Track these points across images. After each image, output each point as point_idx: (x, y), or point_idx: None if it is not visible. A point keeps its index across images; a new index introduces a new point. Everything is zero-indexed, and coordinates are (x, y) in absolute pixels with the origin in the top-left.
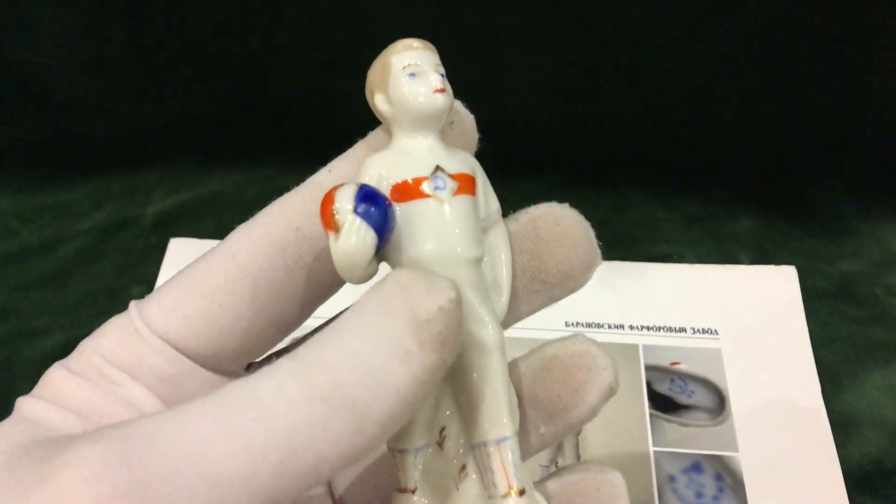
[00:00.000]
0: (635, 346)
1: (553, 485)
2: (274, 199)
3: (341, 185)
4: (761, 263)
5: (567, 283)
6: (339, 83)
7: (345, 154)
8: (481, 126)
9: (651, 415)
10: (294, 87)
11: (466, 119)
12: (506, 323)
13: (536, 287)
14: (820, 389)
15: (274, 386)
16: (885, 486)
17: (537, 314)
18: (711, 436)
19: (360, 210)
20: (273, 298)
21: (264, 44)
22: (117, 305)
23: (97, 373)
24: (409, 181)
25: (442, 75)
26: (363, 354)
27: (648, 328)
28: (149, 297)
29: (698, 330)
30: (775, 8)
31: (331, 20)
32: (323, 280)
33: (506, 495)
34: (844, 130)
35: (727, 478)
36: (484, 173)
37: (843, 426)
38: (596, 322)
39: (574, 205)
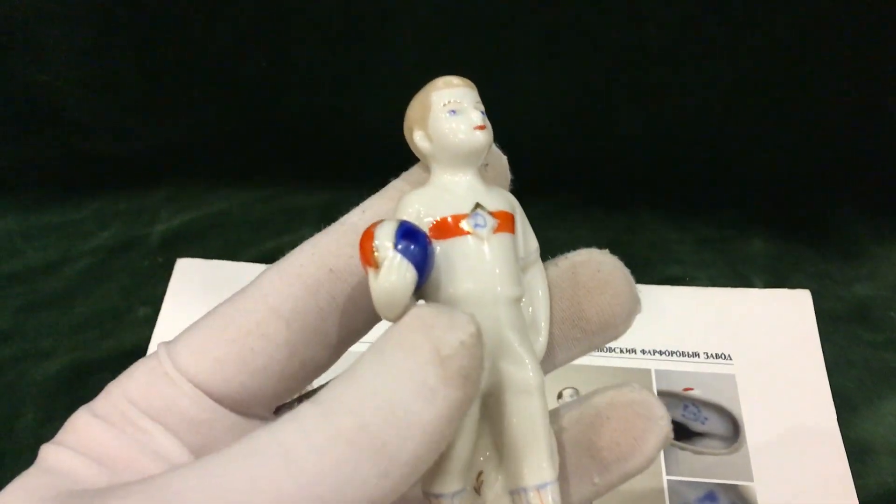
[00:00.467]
0: (648, 371)
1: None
2: (280, 218)
3: (381, 221)
4: (775, 286)
5: (607, 331)
6: (347, 102)
7: (379, 193)
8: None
9: None
10: (301, 106)
11: (500, 160)
12: (543, 368)
13: (576, 335)
14: (836, 416)
15: (298, 432)
16: None
17: None
18: (726, 464)
19: (400, 247)
20: (305, 340)
21: (272, 63)
22: (123, 326)
23: (124, 419)
24: (449, 219)
25: (482, 112)
26: (386, 394)
27: (661, 352)
28: (177, 339)
29: (712, 355)
30: (790, 29)
31: (339, 40)
32: (355, 322)
33: None
34: (859, 153)
35: None
36: (523, 212)
37: (859, 454)
38: (608, 346)
39: (587, 225)
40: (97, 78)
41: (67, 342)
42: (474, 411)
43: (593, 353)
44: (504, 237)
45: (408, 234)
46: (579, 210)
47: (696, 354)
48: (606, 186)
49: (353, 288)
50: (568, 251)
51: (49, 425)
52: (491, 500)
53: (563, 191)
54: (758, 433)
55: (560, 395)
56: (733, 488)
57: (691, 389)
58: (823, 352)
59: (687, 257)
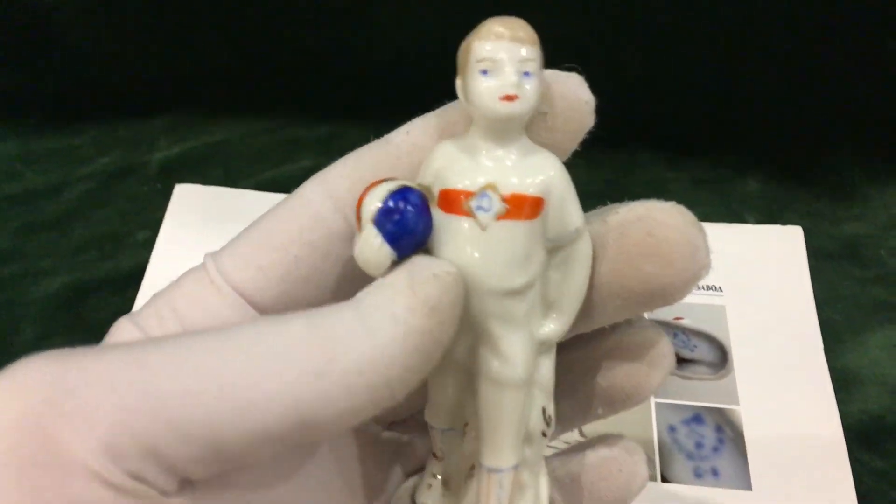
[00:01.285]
0: None
1: (574, 465)
2: (280, 150)
3: (381, 182)
4: (767, 224)
5: (655, 301)
6: (348, 37)
7: (430, 114)
8: None
9: None
10: (303, 39)
11: (572, 106)
12: (578, 329)
13: (616, 303)
14: (822, 347)
15: (288, 325)
16: (886, 441)
17: None
18: (713, 389)
19: (379, 221)
20: (347, 251)
21: None
22: (122, 249)
23: (162, 328)
24: (453, 193)
25: (526, 74)
26: (347, 309)
27: None
28: (222, 249)
29: (703, 287)
30: None
31: None
32: None
33: None
34: (856, 97)
35: (727, 430)
36: (567, 188)
37: (844, 383)
38: None
39: (584, 164)
40: (100, 4)
41: (67, 263)
42: (458, 375)
43: None
44: (512, 225)
45: (393, 210)
46: (579, 149)
47: None
48: (605, 126)
49: None
50: None
51: (46, 342)
52: (469, 452)
53: None
54: (745, 361)
55: None
56: (719, 411)
57: (682, 319)
58: (813, 286)
59: (682, 196)
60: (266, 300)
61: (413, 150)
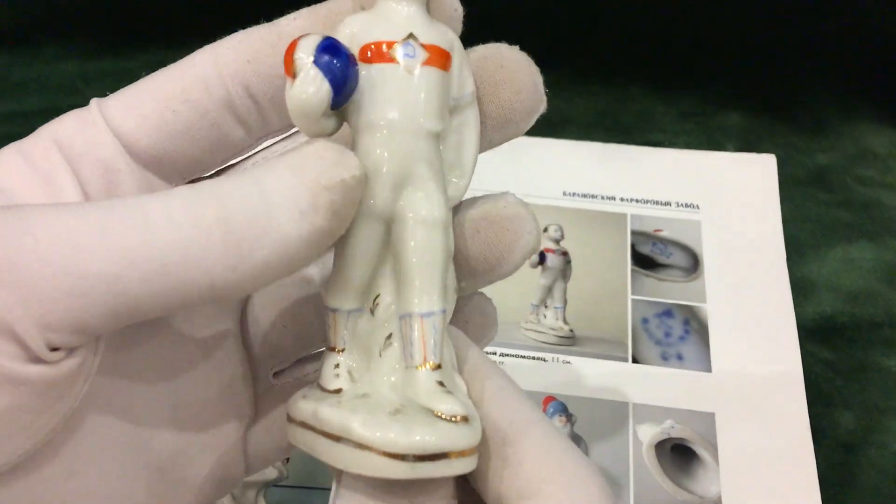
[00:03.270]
0: (624, 215)
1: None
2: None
3: (307, 35)
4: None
5: (507, 127)
6: None
7: (315, 7)
8: (499, 21)
9: (633, 270)
10: None
11: (451, 5)
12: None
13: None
14: (785, 258)
15: (162, 205)
16: (833, 337)
17: (535, 182)
18: (684, 289)
19: (318, 60)
20: (223, 117)
21: None
22: None
23: (44, 157)
24: (379, 43)
25: None
26: (258, 201)
27: (637, 200)
28: (111, 96)
29: (682, 204)
30: None
31: None
32: (269, 116)
33: (419, 367)
34: (832, 40)
35: (693, 323)
36: (465, 54)
37: (802, 289)
38: (591, 193)
39: (580, 96)
40: None
41: None
42: (375, 236)
43: (575, 197)
44: (433, 71)
45: (328, 49)
46: (574, 81)
47: (668, 203)
48: (600, 61)
49: (266, 84)
50: (565, 119)
51: None
52: (382, 322)
53: (563, 62)
54: (715, 268)
55: (546, 229)
56: (688, 308)
57: (661, 231)
58: (782, 208)
59: (669, 126)
60: (140, 147)
61: (299, 34)
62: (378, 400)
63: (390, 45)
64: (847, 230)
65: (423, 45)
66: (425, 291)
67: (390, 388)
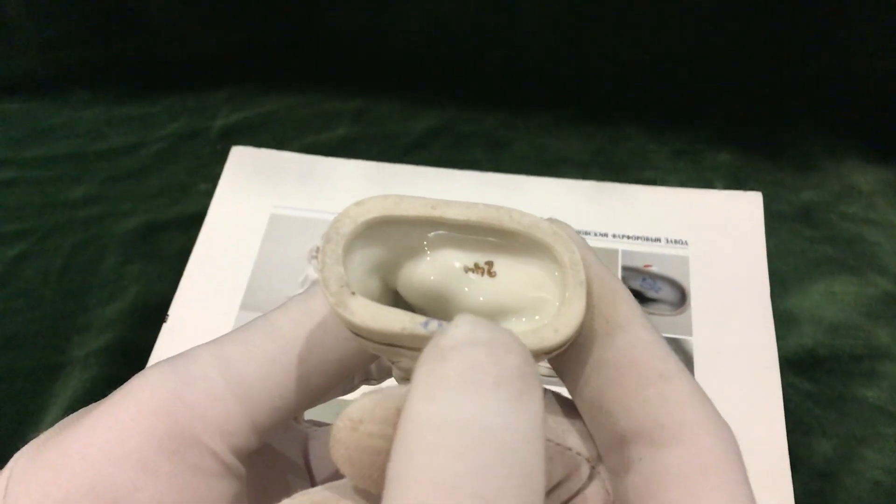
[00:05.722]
0: (615, 251)
1: None
2: (319, 119)
3: None
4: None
5: None
6: (379, 20)
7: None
8: (497, 65)
9: None
10: (341, 21)
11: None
12: None
13: None
14: (769, 292)
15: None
16: (814, 370)
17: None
18: (671, 323)
19: None
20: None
21: None
22: (187, 197)
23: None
24: None
25: None
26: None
27: (628, 237)
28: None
29: (671, 240)
30: None
31: None
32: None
33: None
34: (818, 79)
35: (679, 355)
36: None
37: (785, 322)
38: (584, 230)
39: (576, 136)
40: None
41: (143, 206)
42: None
43: None
44: None
45: None
46: (571, 122)
47: (657, 239)
48: (596, 102)
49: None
50: (561, 158)
51: (126, 267)
52: None
53: (559, 104)
54: (701, 302)
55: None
56: (675, 341)
57: (650, 266)
58: (767, 243)
59: (661, 164)
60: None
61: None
62: None
63: None
64: (830, 265)
65: None
66: None
67: None
